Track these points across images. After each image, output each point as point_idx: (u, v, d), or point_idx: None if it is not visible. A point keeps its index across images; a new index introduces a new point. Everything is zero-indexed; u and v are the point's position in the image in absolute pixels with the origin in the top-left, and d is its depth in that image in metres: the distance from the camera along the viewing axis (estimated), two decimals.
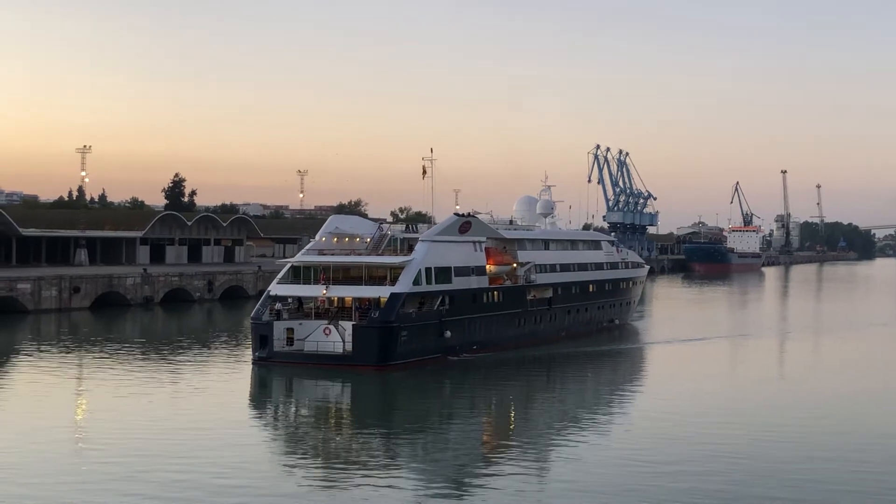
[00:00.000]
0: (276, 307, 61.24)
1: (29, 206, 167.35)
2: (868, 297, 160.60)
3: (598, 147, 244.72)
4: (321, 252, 64.75)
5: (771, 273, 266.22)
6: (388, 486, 34.13)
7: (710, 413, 49.12)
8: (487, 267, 68.60)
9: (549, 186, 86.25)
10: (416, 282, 60.96)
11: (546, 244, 78.75)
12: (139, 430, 42.30)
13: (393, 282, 60.71)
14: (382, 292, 60.15)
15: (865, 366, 69.63)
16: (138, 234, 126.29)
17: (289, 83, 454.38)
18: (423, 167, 70.11)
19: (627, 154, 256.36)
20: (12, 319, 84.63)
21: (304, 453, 40.31)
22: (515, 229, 78.15)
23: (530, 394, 56.48)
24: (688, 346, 78.86)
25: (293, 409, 52.08)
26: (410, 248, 63.77)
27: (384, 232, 66.52)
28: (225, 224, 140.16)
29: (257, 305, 62.41)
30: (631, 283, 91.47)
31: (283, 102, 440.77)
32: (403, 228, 68.75)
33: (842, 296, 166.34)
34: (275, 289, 62.75)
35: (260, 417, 49.21)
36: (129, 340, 75.75)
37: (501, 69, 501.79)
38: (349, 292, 61.98)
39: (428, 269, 62.03)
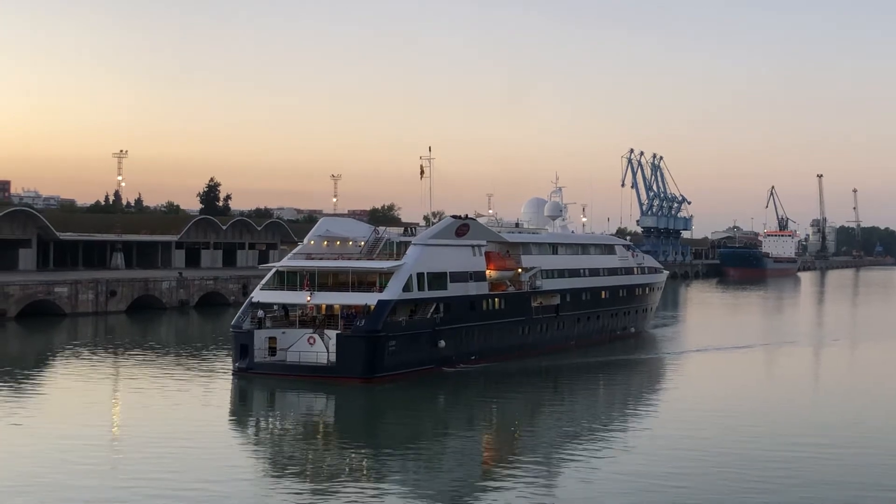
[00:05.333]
0: (258, 315, 55.42)
1: (66, 211, 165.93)
2: None
3: (631, 151, 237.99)
4: (308, 256, 58.85)
5: (807, 278, 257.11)
6: None
7: (732, 429, 43.42)
8: (488, 272, 62.36)
9: (559, 188, 79.73)
10: (407, 288, 54.97)
11: (554, 248, 72.28)
12: (115, 446, 39.22)
13: (382, 288, 54.62)
14: (370, 299, 54.21)
15: None
16: (174, 238, 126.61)
17: (322, 87, 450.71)
18: (421, 167, 63.93)
19: (661, 158, 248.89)
20: (50, 322, 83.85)
21: (283, 473, 35.69)
22: (520, 232, 71.68)
23: (535, 407, 50.90)
24: (712, 356, 72.03)
25: (273, 425, 46.87)
26: None
27: (379, 235, 60.33)
28: (259, 228, 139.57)
29: (238, 313, 56.68)
30: (648, 289, 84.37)
31: (317, 106, 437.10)
32: (402, 232, 62.43)
33: (879, 302, 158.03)
34: (257, 295, 57.11)
35: (237, 434, 44.03)
36: (151, 345, 72.07)
37: (532, 72, 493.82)
38: (335, 299, 56.12)
39: (420, 275, 55.99)
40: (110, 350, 68.34)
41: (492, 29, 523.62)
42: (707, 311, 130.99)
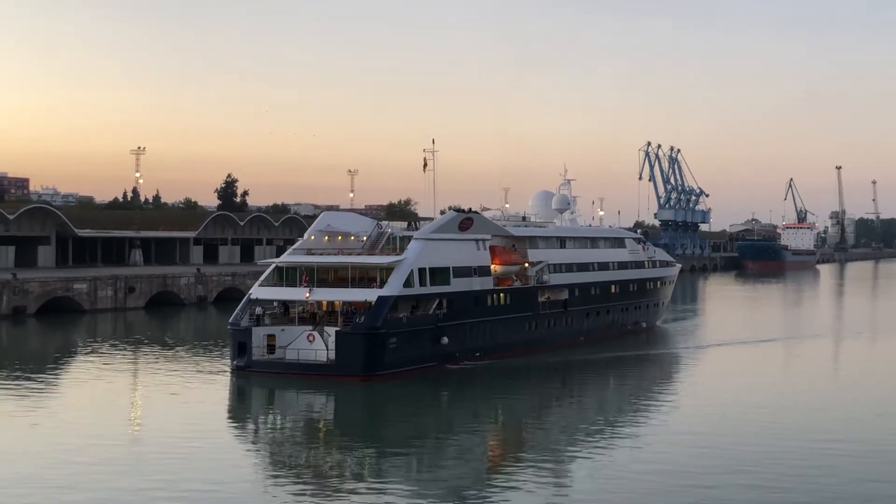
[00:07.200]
0: (255, 312, 53.42)
1: (84, 208, 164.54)
2: None
3: (648, 144, 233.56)
4: (309, 252, 56.83)
5: (826, 270, 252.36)
6: None
7: (746, 427, 41.45)
8: (492, 267, 60.04)
9: (568, 180, 76.92)
10: (408, 283, 52.84)
11: (562, 242, 69.81)
12: (114, 447, 37.21)
13: (383, 284, 52.46)
14: (370, 295, 52.07)
15: None
16: (192, 234, 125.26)
17: (338, 83, 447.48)
18: (425, 160, 61.63)
19: (679, 151, 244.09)
20: (69, 319, 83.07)
21: (283, 473, 34.34)
22: (527, 226, 69.22)
23: (542, 405, 48.88)
24: (730, 351, 69.33)
25: (271, 424, 44.99)
26: None
27: (382, 230, 58.13)
28: (277, 224, 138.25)
29: (237, 310, 54.64)
30: (659, 283, 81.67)
31: (334, 102, 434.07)
32: (405, 226, 60.22)
33: None
34: (256, 291, 55.08)
35: (236, 434, 42.31)
36: (165, 342, 70.50)
37: (547, 63, 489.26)
38: (335, 295, 54.10)
39: (422, 270, 53.79)
40: (126, 347, 67.02)
41: (506, 19, 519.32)
42: (725, 304, 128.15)
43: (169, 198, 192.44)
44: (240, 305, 55.06)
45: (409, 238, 56.26)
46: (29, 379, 52.59)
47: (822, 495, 30.50)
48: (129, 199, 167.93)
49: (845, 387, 55.15)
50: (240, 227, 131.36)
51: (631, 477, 32.50)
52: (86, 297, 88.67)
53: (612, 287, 73.24)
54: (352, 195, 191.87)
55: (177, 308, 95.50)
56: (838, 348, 75.13)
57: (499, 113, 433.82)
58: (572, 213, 76.33)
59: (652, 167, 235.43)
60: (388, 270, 53.30)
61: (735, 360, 64.75)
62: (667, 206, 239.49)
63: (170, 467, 33.57)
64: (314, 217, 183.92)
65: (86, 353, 63.68)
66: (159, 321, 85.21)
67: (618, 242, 78.07)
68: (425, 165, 61.94)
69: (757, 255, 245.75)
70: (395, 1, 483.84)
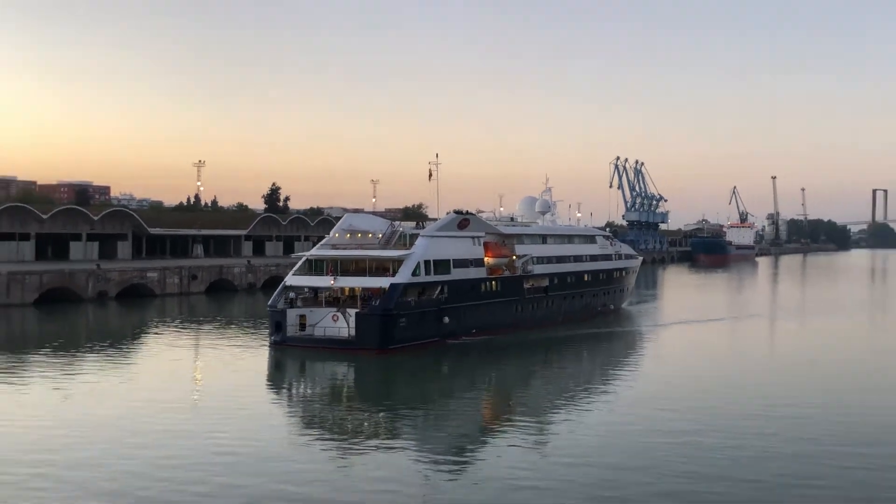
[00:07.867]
0: (289, 296, 52.95)
1: (155, 211, 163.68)
2: (844, 283, 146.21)
3: (618, 158, 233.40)
4: (334, 247, 56.33)
5: (763, 262, 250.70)
6: (392, 458, 29.08)
7: (704, 389, 41.17)
8: (486, 259, 59.40)
9: (549, 188, 76.21)
10: (416, 273, 52.31)
11: (543, 238, 68.97)
12: (170, 409, 36.44)
13: (395, 273, 51.92)
14: (384, 283, 51.57)
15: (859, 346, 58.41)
16: (243, 232, 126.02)
17: (365, 103, 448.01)
18: (430, 170, 60.90)
19: (643, 164, 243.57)
20: (143, 302, 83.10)
21: (313, 430, 34.14)
22: (514, 225, 68.50)
23: (527, 373, 48.16)
24: (685, 328, 68.49)
25: (303, 390, 44.55)
26: None
27: (395, 228, 57.65)
28: (312, 224, 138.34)
29: (274, 294, 54.22)
30: (624, 272, 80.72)
31: (359, 120, 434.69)
32: (414, 226, 59.69)
33: (823, 282, 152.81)
34: (290, 279, 54.67)
35: (274, 397, 41.94)
36: (220, 320, 70.08)
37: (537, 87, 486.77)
38: (355, 283, 53.60)
39: (427, 262, 53.24)
40: (188, 325, 66.46)
41: (497, 53, 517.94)
42: (680, 290, 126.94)
43: (225, 202, 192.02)
44: (276, 291, 54.65)
45: (417, 235, 55.81)
46: (110, 352, 52.35)
47: (770, 448, 29.84)
48: (192, 203, 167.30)
49: (782, 356, 54.31)
50: (282, 226, 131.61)
51: (604, 433, 32.07)
52: (157, 283, 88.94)
53: (585, 276, 72.39)
54: (374, 200, 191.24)
55: (231, 293, 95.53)
56: (774, 326, 74.34)
57: (493, 128, 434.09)
58: (552, 214, 75.57)
59: (620, 177, 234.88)
60: (399, 262, 52.81)
61: (689, 336, 64.01)
62: (632, 209, 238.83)
63: (219, 426, 33.16)
64: None
65: (156, 330, 63.52)
66: (216, 304, 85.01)
67: (590, 239, 77.08)
68: (430, 175, 61.24)
69: (707, 250, 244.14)
70: (398, 35, 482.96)
